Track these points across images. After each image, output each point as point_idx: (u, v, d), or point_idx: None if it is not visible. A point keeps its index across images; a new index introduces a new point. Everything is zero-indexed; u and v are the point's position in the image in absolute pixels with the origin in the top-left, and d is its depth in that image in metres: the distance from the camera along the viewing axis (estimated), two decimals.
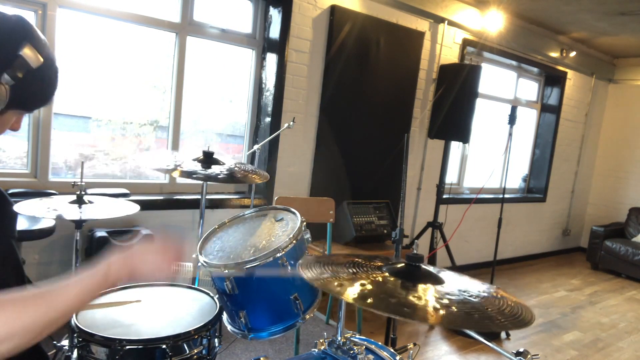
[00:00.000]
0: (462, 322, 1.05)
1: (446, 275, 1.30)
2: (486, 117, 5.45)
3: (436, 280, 1.21)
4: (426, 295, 1.12)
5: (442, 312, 1.05)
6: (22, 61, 0.95)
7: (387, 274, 1.23)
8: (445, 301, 1.10)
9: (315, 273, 1.22)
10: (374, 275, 1.21)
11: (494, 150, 5.67)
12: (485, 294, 1.19)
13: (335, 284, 1.16)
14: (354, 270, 1.25)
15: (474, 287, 1.24)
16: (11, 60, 0.94)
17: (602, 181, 7.03)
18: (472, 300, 1.13)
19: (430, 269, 1.30)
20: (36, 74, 0.98)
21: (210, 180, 2.20)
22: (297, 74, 3.71)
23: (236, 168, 2.32)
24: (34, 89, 1.01)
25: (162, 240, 1.07)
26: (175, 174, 2.15)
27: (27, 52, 0.95)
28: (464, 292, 1.17)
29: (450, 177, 5.22)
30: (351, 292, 1.11)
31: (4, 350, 0.75)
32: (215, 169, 2.21)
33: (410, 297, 1.10)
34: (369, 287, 1.14)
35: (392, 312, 1.05)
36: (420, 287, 1.16)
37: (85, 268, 0.91)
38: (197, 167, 2.23)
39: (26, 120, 2.91)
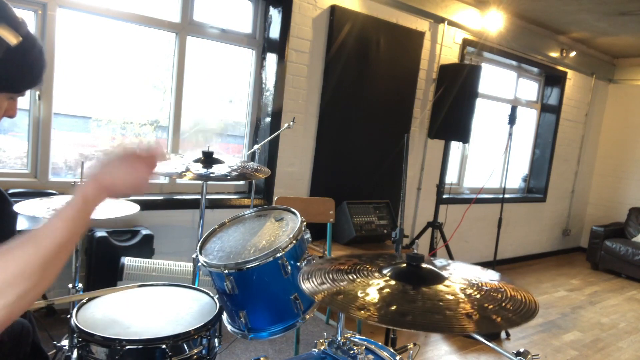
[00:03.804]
0: (463, 326, 1.04)
1: (449, 269, 1.29)
2: (486, 117, 5.45)
3: (438, 280, 1.21)
4: (428, 298, 1.12)
5: (442, 316, 1.04)
6: None
7: (388, 277, 1.22)
8: (446, 302, 1.10)
9: (315, 285, 1.21)
10: (375, 282, 1.21)
11: (494, 150, 5.67)
12: (487, 288, 1.18)
13: (335, 294, 1.15)
14: (354, 276, 1.24)
15: (477, 278, 1.23)
16: None
17: (602, 181, 7.03)
18: (474, 298, 1.13)
19: (434, 263, 1.29)
20: (17, 52, 0.97)
21: (220, 180, 2.20)
22: (297, 74, 3.71)
23: (244, 166, 2.33)
24: (18, 69, 1.00)
25: (128, 150, 0.99)
26: (186, 178, 2.15)
27: (2, 32, 0.95)
28: (465, 290, 1.16)
29: (450, 177, 5.22)
30: (351, 305, 1.10)
31: (10, 300, 0.74)
32: (221, 169, 2.21)
33: (413, 305, 1.09)
34: (369, 294, 1.13)
35: (391, 323, 1.04)
36: (422, 290, 1.15)
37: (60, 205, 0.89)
38: (199, 167, 2.23)
39: (26, 120, 2.91)
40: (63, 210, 0.86)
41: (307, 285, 1.21)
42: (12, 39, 0.96)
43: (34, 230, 0.81)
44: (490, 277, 1.28)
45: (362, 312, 1.06)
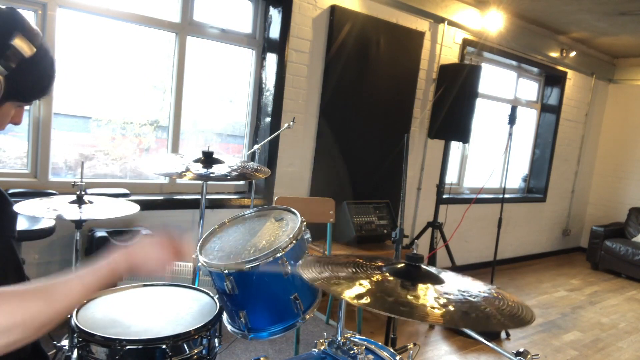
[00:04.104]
0: (459, 321, 1.05)
1: (446, 275, 1.30)
2: (486, 117, 5.45)
3: (436, 280, 1.21)
4: (425, 294, 1.12)
5: (439, 311, 1.05)
6: (14, 51, 0.96)
7: (387, 273, 1.23)
8: (444, 300, 1.10)
9: (315, 273, 1.23)
10: (374, 276, 1.21)
11: (494, 150, 5.67)
12: (485, 294, 1.19)
13: (334, 283, 1.16)
14: (354, 270, 1.25)
15: (474, 288, 1.24)
16: (3, 50, 0.95)
17: (602, 181, 7.03)
18: (471, 299, 1.13)
19: (431, 269, 1.30)
20: (30, 63, 0.99)
21: (220, 180, 2.20)
22: (297, 74, 3.71)
23: (244, 166, 2.33)
24: (29, 79, 1.02)
25: (163, 237, 1.08)
26: (186, 179, 2.15)
27: (19, 42, 0.96)
28: (464, 292, 1.17)
29: (450, 177, 5.22)
30: (349, 292, 1.11)
31: (1, 343, 0.74)
32: (221, 169, 2.22)
33: (409, 296, 1.10)
34: (368, 286, 1.14)
35: (389, 310, 1.05)
36: (420, 286, 1.16)
37: (86, 265, 0.90)
38: (199, 167, 2.23)
39: (26, 120, 2.91)
40: (88, 274, 0.88)
41: (307, 274, 1.21)
42: (27, 50, 0.97)
43: (52, 284, 0.81)
44: (486, 287, 1.28)
45: (361, 300, 1.07)
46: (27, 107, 2.96)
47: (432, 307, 1.06)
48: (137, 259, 1.00)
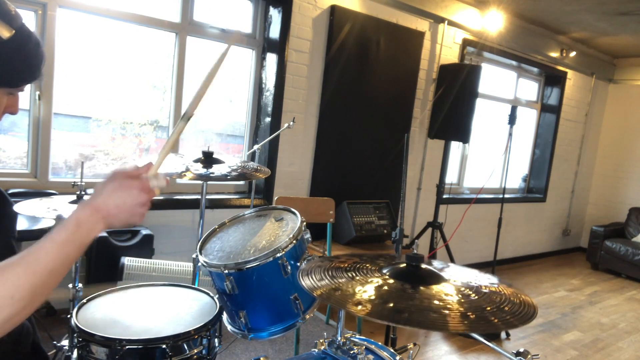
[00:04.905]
0: (459, 326, 1.04)
1: (448, 271, 1.29)
2: (486, 117, 5.45)
3: (438, 280, 1.21)
4: (426, 298, 1.12)
5: (440, 315, 1.05)
6: None
7: (387, 276, 1.23)
8: (444, 303, 1.10)
9: (314, 281, 1.22)
10: (375, 281, 1.21)
11: (494, 150, 5.67)
12: (486, 291, 1.18)
13: (334, 291, 1.16)
14: (354, 274, 1.24)
15: (475, 281, 1.23)
16: None
17: (602, 181, 7.03)
18: (471, 299, 1.13)
19: (433, 265, 1.29)
20: (10, 46, 0.95)
21: (220, 180, 2.20)
22: (297, 74, 3.71)
23: (244, 166, 2.33)
24: (13, 63, 0.98)
25: (124, 174, 0.94)
26: (186, 179, 2.15)
27: None
28: (464, 290, 1.17)
29: (450, 177, 5.22)
30: (350, 302, 1.10)
31: None
32: (221, 169, 2.22)
33: (410, 303, 1.09)
34: (368, 293, 1.14)
35: (389, 319, 1.04)
36: (421, 289, 1.15)
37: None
38: (199, 167, 2.23)
39: (26, 120, 2.91)
40: (56, 232, 0.83)
41: (306, 282, 1.21)
42: (5, 32, 0.94)
43: (26, 252, 0.79)
44: (489, 280, 1.28)
45: (359, 307, 1.06)
46: (26, 107, 2.94)
47: (431, 312, 1.05)
48: (104, 205, 0.89)
